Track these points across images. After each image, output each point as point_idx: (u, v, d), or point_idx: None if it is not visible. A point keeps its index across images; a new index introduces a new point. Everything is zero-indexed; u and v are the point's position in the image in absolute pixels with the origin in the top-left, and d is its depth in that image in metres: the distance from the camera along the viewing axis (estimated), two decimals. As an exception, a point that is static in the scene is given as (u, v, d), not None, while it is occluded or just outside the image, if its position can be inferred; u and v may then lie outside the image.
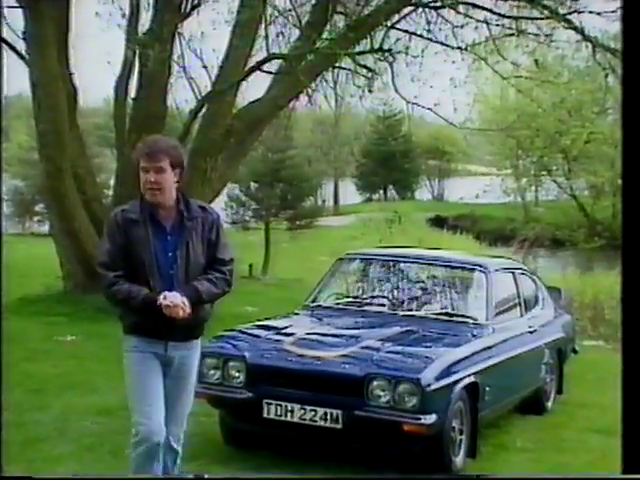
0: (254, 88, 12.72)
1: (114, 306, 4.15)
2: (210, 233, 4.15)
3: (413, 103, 12.60)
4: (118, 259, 4.04)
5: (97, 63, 14.01)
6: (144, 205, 4.09)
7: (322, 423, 5.28)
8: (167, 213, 4.10)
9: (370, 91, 12.93)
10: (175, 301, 3.97)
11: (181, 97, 12.87)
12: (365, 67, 12.34)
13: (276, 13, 12.64)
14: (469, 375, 5.63)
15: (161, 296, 3.98)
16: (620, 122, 3.60)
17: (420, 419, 5.16)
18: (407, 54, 12.27)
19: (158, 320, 4.00)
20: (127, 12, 11.72)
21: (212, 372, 5.61)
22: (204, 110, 11.83)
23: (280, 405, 5.38)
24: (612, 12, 11.41)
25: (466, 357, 5.75)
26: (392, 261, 7.18)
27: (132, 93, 11.85)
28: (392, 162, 43.92)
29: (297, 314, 6.64)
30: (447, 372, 5.43)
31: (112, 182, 14.36)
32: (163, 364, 4.14)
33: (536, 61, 13.22)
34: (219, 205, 17.54)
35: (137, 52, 11.35)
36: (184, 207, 4.11)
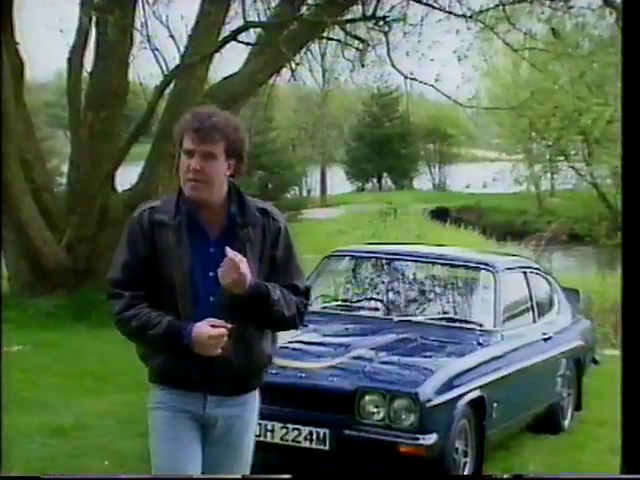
0: (229, 61, 12.74)
1: (131, 339, 3.42)
2: (275, 248, 3.40)
3: (411, 78, 12.63)
4: (139, 276, 3.33)
5: (47, 31, 14.00)
6: (182, 203, 3.37)
7: (307, 444, 5.29)
8: (213, 216, 3.37)
9: (362, 65, 12.99)
10: (236, 261, 3.20)
11: (145, 71, 12.92)
12: (356, 37, 12.38)
13: (254, -26, 12.64)
14: (475, 389, 5.65)
15: (228, 249, 3.21)
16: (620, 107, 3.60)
17: (418, 439, 5.17)
18: (404, 22, 12.30)
19: (190, 363, 3.31)
20: (82, -28, 11.70)
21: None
22: (172, 86, 11.82)
23: (259, 424, 5.36)
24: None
25: (471, 368, 5.78)
26: (387, 259, 7.20)
27: (88, 66, 11.84)
28: (387, 146, 43.97)
29: (278, 320, 6.64)
30: (449, 385, 5.45)
31: (65, 168, 14.33)
32: (202, 426, 3.47)
33: (553, 30, 13.25)
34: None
35: (94, 18, 11.32)
36: (237, 209, 3.37)
